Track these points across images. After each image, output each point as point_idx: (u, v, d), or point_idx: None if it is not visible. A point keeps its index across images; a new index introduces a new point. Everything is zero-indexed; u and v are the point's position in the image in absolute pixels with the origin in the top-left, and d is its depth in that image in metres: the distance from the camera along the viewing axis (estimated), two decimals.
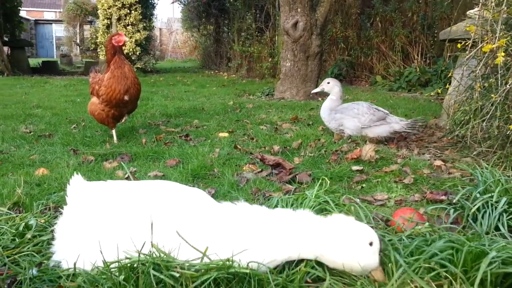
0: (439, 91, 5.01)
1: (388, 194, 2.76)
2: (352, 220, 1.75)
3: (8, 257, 1.84)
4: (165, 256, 1.53)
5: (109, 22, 15.03)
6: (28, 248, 1.95)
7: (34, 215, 2.27)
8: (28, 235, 2.02)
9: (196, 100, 8.20)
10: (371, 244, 1.66)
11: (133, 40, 14.67)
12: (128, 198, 1.85)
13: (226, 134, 4.88)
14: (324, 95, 5.24)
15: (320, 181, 2.31)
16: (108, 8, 14.71)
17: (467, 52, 3.43)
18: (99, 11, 15.23)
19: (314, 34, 8.44)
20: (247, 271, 1.53)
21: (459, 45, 3.54)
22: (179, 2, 20.29)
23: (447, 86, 4.66)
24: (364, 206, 2.26)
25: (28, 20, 31.15)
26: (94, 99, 4.60)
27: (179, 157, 3.78)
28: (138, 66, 14.98)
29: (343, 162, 3.45)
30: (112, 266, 1.53)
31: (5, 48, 15.40)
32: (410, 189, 2.87)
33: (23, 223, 2.11)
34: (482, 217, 2.11)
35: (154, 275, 1.46)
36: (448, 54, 8.74)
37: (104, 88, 4.38)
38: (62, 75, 15.73)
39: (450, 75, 4.14)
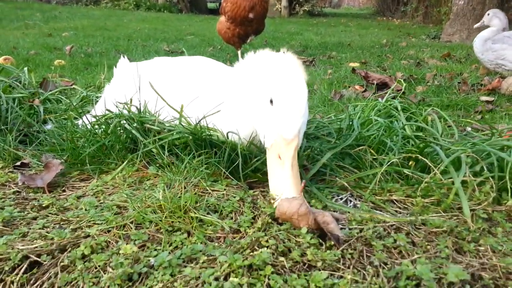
0: None
1: None
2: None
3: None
4: (148, 114, 1.54)
5: None
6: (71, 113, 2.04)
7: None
8: (74, 102, 2.19)
9: (347, 37, 7.67)
10: (270, 102, 1.24)
11: None
12: (150, 67, 1.84)
13: (357, 64, 4.40)
14: None
15: (395, 83, 1.83)
16: None
17: None
18: None
19: None
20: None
21: None
22: None
23: None
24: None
25: None
26: (222, 18, 4.53)
27: None
28: (305, 8, 14.71)
29: (473, 93, 2.78)
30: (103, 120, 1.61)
31: None
32: None
33: (77, 95, 2.34)
34: None
35: (123, 128, 1.51)
36: None
37: (230, 4, 4.27)
38: None
39: None
